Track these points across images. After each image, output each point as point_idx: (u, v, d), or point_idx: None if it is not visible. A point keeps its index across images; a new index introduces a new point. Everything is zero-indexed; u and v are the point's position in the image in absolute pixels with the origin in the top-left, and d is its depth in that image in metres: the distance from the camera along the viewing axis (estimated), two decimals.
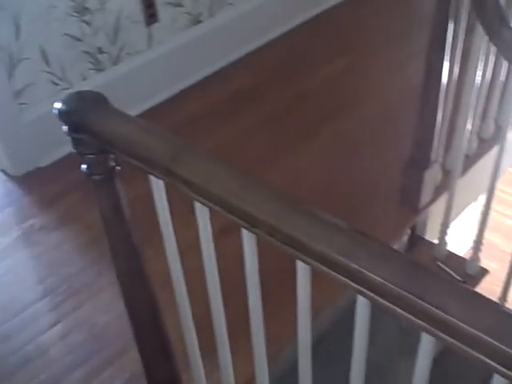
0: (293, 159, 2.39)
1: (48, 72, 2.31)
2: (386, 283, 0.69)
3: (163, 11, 2.61)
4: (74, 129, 0.95)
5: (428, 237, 2.46)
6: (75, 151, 1.03)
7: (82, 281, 1.99)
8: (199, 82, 2.83)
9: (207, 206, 0.90)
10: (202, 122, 2.59)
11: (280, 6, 3.07)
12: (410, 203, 2.15)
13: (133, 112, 2.26)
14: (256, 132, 2.54)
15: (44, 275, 2.06)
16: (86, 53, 2.40)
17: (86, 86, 2.42)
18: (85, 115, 0.93)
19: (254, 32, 3.00)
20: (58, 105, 0.97)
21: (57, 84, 2.36)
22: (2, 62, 2.14)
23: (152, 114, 2.59)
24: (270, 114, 2.63)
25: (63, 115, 0.95)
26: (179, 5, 2.66)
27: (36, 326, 1.86)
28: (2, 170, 2.41)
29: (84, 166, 1.05)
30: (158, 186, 1.00)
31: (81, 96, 0.96)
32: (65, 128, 0.98)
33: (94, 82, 2.45)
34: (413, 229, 2.36)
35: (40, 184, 2.37)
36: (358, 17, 3.25)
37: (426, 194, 2.12)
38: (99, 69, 2.47)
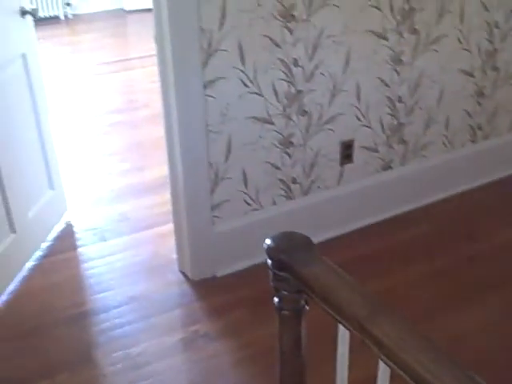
0: (455, 317, 2.32)
1: (244, 192, 2.50)
2: None
3: (358, 154, 2.75)
4: (278, 266, 1.03)
5: None
6: (272, 285, 1.11)
7: None
8: (378, 224, 2.89)
9: (390, 367, 0.92)
10: (372, 261, 2.62)
11: (472, 163, 3.12)
12: None
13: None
14: (422, 282, 2.52)
15: (197, 382, 2.13)
16: (281, 181, 2.58)
17: (274, 211, 2.59)
18: (291, 256, 1.00)
19: (439, 184, 3.06)
20: (268, 241, 1.06)
21: (249, 204, 2.54)
22: (208, 178, 2.37)
23: (328, 244, 2.67)
24: (439, 268, 2.61)
25: (271, 251, 1.04)
26: (374, 150, 2.79)
27: None
28: (183, 273, 2.59)
29: (276, 300, 1.12)
30: (343, 336, 1.04)
31: (291, 237, 1.04)
32: (269, 262, 1.07)
33: (282, 208, 2.61)
34: None
35: (213, 292, 2.50)
36: None
37: None
38: (289, 197, 2.63)
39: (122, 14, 6.54)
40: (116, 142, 3.86)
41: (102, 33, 6.06)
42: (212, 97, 2.24)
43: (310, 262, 1.01)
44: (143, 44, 5.54)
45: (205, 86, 2.21)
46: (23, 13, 2.31)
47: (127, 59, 5.38)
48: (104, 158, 3.63)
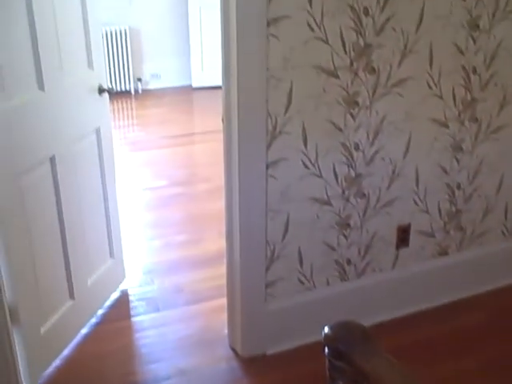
0: None
1: (299, 271, 2.51)
2: None
3: (414, 238, 2.74)
4: (336, 355, 1.03)
5: None
6: (327, 373, 1.11)
7: None
8: (431, 309, 2.84)
9: None
10: (424, 349, 2.58)
11: None
12: None
13: (363, 322, 2.33)
14: (474, 374, 2.45)
15: None
16: (336, 261, 2.58)
17: (328, 291, 2.59)
18: (350, 346, 1.01)
19: (495, 273, 3.01)
20: (326, 329, 1.07)
21: (303, 283, 2.55)
22: (264, 256, 2.40)
23: (379, 328, 2.62)
24: (490, 360, 2.53)
25: (329, 340, 1.05)
26: (431, 235, 2.78)
27: None
28: (233, 348, 2.59)
29: None
30: None
31: (349, 327, 1.05)
32: (326, 351, 1.08)
33: (336, 289, 2.61)
34: None
35: (262, 371, 2.49)
36: None
37: None
38: (343, 278, 2.63)
39: (189, 90, 6.81)
40: (175, 213, 3.95)
41: (169, 107, 6.31)
42: (274, 177, 2.30)
43: (370, 355, 1.01)
44: (207, 120, 5.74)
45: (267, 167, 2.27)
46: (101, 91, 2.46)
47: (191, 134, 5.56)
48: (162, 229, 3.72)
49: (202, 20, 6.58)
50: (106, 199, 2.71)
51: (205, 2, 6.47)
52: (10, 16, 1.98)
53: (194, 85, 6.80)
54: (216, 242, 3.35)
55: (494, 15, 2.48)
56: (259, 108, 2.16)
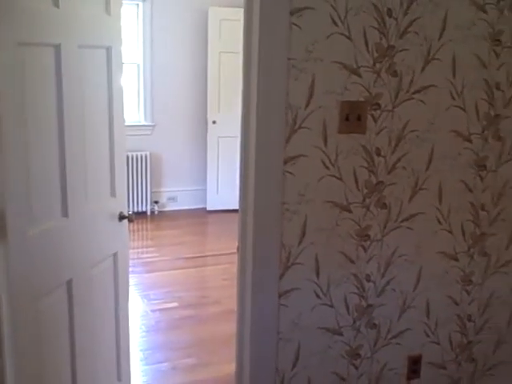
0: None
1: None
2: None
3: (425, 369, 2.72)
4: None
5: None
6: None
7: None
8: None
9: None
10: None
11: None
12: None
13: None
14: None
15: None
16: None
17: None
18: None
19: None
20: None
21: None
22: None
23: None
24: None
25: None
26: (442, 367, 2.75)
27: None
28: None
29: None
30: None
31: None
32: None
33: None
34: None
35: None
36: None
37: None
38: None
39: (203, 213, 7.00)
40: (184, 336, 3.94)
41: (183, 229, 6.44)
42: (285, 305, 2.34)
43: None
44: (220, 242, 5.85)
45: (280, 296, 2.32)
46: (121, 218, 2.56)
47: (203, 256, 5.64)
48: (171, 352, 3.69)
49: (220, 147, 6.90)
50: (117, 322, 2.73)
51: (222, 132, 6.82)
52: (42, 146, 2.11)
53: (209, 208, 6.99)
54: (225, 367, 3.31)
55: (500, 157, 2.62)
56: (274, 239, 2.24)
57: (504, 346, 2.89)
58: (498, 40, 2.51)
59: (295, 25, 2.15)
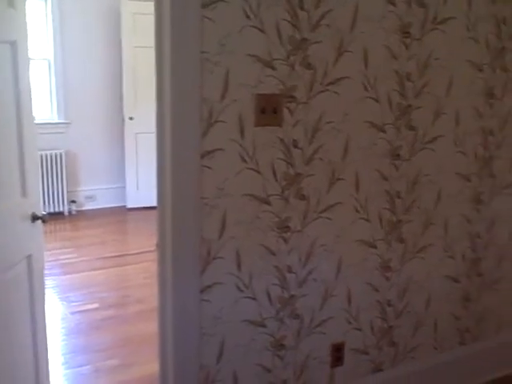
0: None
1: None
2: None
3: (349, 356, 2.77)
4: None
5: None
6: None
7: None
8: None
9: None
10: None
11: (461, 365, 3.18)
12: None
13: None
14: None
15: None
16: (272, 383, 2.57)
17: None
18: None
19: None
20: None
21: None
22: (199, 381, 2.36)
23: None
24: None
25: None
26: (365, 352, 2.82)
27: None
28: None
29: None
30: None
31: None
32: None
33: None
34: None
35: None
36: None
37: None
38: None
39: (123, 211, 6.88)
40: (106, 337, 3.85)
41: (103, 229, 6.30)
42: (207, 301, 2.32)
43: None
44: (141, 240, 5.76)
45: (201, 291, 2.29)
46: (34, 218, 2.46)
47: (124, 255, 5.53)
48: (92, 355, 3.60)
49: (138, 144, 6.79)
50: (34, 326, 2.62)
51: (140, 129, 6.71)
52: None
53: (129, 205, 6.86)
54: (149, 367, 3.27)
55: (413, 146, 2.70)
56: (194, 234, 2.22)
57: (422, 328, 2.99)
58: (407, 32, 2.58)
59: (207, 18, 2.12)
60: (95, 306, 4.34)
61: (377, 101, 2.55)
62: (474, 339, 3.22)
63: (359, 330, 2.78)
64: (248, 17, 2.19)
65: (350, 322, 2.74)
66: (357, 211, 2.61)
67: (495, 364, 3.32)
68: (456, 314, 3.11)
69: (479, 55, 2.83)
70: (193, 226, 2.21)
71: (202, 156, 2.19)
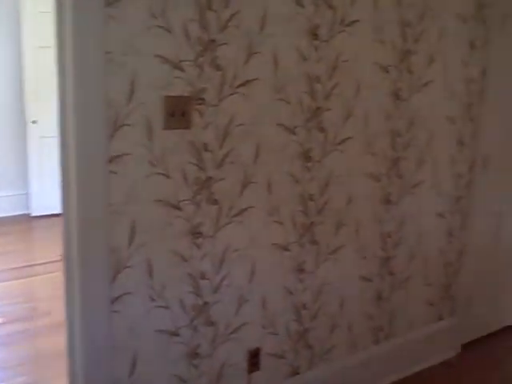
0: None
1: None
2: None
3: (265, 361, 2.75)
4: None
5: None
6: None
7: None
8: None
9: None
10: None
11: (376, 363, 3.23)
12: None
13: None
14: None
15: None
16: None
17: None
18: None
19: None
20: None
21: None
22: None
23: None
24: None
25: None
26: (281, 356, 2.80)
27: None
28: None
29: None
30: None
31: None
32: None
33: None
34: None
35: None
36: None
37: None
38: None
39: (27, 219, 6.58)
40: (14, 353, 3.65)
41: (5, 238, 5.99)
42: (118, 312, 2.22)
43: None
44: (48, 250, 5.50)
45: (112, 302, 2.19)
46: None
47: (31, 265, 5.28)
48: (1, 373, 3.40)
49: (44, 148, 6.50)
50: None
51: (45, 133, 6.44)
52: None
53: (33, 213, 6.57)
54: (63, 382, 3.12)
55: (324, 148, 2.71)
56: (101, 242, 2.12)
57: (337, 329, 3.01)
58: (316, 34, 2.58)
59: (111, 17, 2.03)
60: (0, 320, 4.11)
61: (287, 103, 2.54)
62: (386, 337, 3.28)
63: (275, 334, 2.76)
64: (154, 16, 2.11)
65: (265, 327, 2.71)
66: (270, 214, 2.59)
67: (407, 361, 3.40)
68: (369, 314, 3.15)
69: (386, 57, 2.88)
70: (100, 233, 2.11)
71: (109, 161, 2.10)
